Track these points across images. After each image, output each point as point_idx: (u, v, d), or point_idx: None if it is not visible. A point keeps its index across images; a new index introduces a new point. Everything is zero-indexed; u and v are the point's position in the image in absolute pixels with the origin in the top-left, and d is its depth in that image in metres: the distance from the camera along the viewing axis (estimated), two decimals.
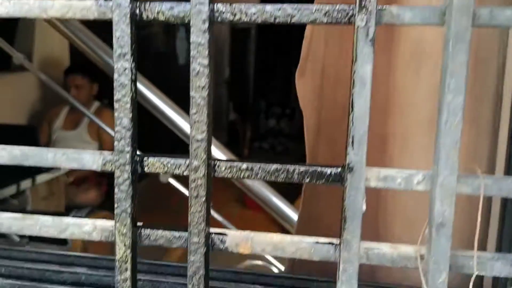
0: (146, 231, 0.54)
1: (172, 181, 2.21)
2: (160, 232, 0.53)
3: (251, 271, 0.74)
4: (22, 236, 2.36)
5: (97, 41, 2.04)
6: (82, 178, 2.93)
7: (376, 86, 0.87)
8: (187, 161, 0.51)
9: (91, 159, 0.53)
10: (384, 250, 0.50)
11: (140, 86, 2.10)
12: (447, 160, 0.45)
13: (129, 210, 0.52)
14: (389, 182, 0.49)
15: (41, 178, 2.86)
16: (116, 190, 0.52)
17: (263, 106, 6.13)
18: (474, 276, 0.47)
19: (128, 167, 0.51)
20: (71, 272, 0.72)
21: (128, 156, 0.51)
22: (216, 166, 0.51)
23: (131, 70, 0.49)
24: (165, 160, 0.52)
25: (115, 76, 0.49)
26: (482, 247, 0.75)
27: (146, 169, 0.52)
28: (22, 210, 2.61)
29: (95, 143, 2.90)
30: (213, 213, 2.38)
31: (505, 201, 0.65)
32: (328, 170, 0.49)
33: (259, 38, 6.05)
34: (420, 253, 0.49)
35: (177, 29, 5.12)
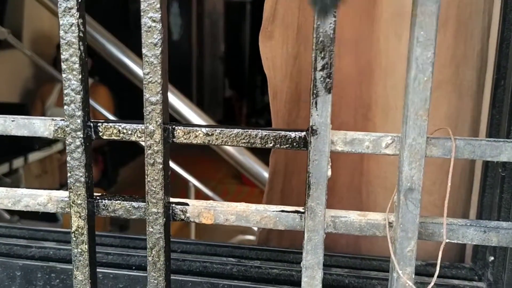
0: (103, 202, 0.51)
1: None
2: (118, 202, 0.51)
3: (225, 244, 0.72)
4: (12, 214, 2.35)
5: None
6: None
7: (359, 51, 0.84)
8: (143, 127, 0.47)
9: (42, 126, 0.50)
10: (351, 218, 0.47)
11: (130, 63, 2.05)
12: (415, 120, 0.42)
13: (82, 179, 0.49)
14: (356, 145, 0.46)
15: (33, 156, 2.84)
16: (68, 158, 0.49)
17: (259, 81, 6.06)
18: (443, 244, 0.45)
19: (80, 133, 0.48)
20: (39, 247, 0.70)
21: (79, 121, 0.47)
22: (174, 131, 0.48)
23: (79, 27, 0.45)
24: (120, 125, 0.49)
25: (61, 33, 0.45)
26: (465, 217, 0.73)
27: (100, 135, 0.49)
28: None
29: None
30: (207, 191, 2.37)
31: (486, 168, 0.62)
32: (292, 134, 0.46)
33: (254, 12, 5.93)
34: (389, 221, 0.47)
35: (170, 4, 5.01)
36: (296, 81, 0.87)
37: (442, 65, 0.72)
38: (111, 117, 2.46)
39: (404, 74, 0.79)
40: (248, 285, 0.61)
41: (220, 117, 5.70)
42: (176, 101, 1.94)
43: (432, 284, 0.45)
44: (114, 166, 3.41)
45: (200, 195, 2.58)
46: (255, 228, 2.15)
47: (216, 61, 6.03)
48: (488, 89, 0.66)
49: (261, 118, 5.96)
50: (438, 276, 0.65)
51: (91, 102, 2.44)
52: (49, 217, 2.45)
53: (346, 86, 0.85)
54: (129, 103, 2.36)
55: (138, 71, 2.01)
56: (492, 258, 0.60)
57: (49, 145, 2.92)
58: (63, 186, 2.73)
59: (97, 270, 0.62)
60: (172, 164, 2.32)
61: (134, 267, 0.66)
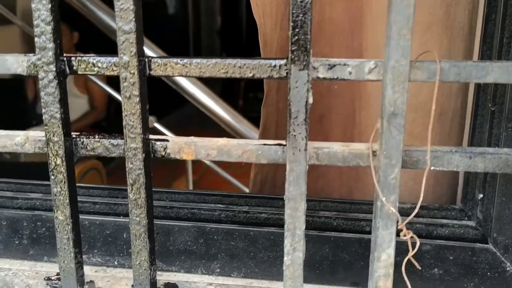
0: (81, 140, 0.50)
1: (159, 126, 2.18)
2: (96, 140, 0.50)
3: (214, 192, 0.71)
4: None
5: None
6: (75, 130, 2.89)
7: None
8: (118, 59, 0.46)
9: (15, 62, 0.48)
10: (334, 149, 0.46)
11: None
12: (398, 40, 0.41)
13: (58, 115, 0.48)
14: (338, 72, 0.44)
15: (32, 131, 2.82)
16: (41, 94, 0.47)
17: (257, 55, 5.98)
18: (426, 170, 0.44)
19: (52, 67, 0.46)
20: (26, 198, 0.69)
21: (51, 53, 0.46)
22: (150, 63, 0.46)
23: None
24: (94, 59, 0.47)
25: None
26: None
27: (74, 69, 0.47)
28: (15, 163, 2.60)
29: (84, 96, 2.83)
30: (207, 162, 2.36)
31: (476, 106, 0.61)
32: (272, 62, 0.45)
33: None
34: (373, 150, 0.46)
35: None
36: (287, 29, 0.85)
37: (433, 5, 0.70)
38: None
39: None
40: (236, 227, 0.61)
41: (219, 92, 5.65)
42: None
43: (415, 211, 0.44)
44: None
45: (200, 168, 2.58)
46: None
47: (213, 35, 5.94)
48: (479, 27, 0.64)
49: (260, 92, 5.92)
50: (427, 217, 0.65)
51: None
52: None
53: (337, 35, 0.83)
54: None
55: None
56: (481, 195, 0.59)
57: None
58: None
59: (84, 217, 0.61)
60: (171, 135, 2.30)
61: (121, 215, 0.66)
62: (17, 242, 0.65)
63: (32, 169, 2.52)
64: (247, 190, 2.13)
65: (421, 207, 0.68)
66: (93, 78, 2.50)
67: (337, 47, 0.83)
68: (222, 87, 5.83)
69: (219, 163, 2.31)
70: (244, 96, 5.87)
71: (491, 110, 0.57)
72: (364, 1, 0.78)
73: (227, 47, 5.95)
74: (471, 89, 0.70)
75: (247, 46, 6.11)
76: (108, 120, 3.26)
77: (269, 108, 0.87)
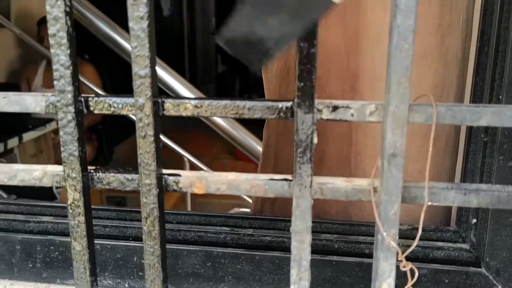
0: (98, 175, 0.52)
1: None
2: (112, 175, 0.52)
3: (219, 214, 0.74)
4: (9, 193, 2.37)
5: None
6: None
7: (346, 21, 0.84)
8: (133, 100, 0.48)
9: (33, 102, 0.51)
10: (338, 184, 0.49)
11: (118, 38, 2.03)
12: (398, 87, 0.44)
13: (76, 153, 0.50)
14: (341, 113, 0.47)
15: (27, 136, 2.84)
16: (61, 133, 0.50)
17: None
18: (425, 206, 0.47)
19: (71, 108, 0.49)
20: (37, 221, 0.71)
21: (70, 96, 0.48)
22: (163, 104, 0.49)
23: (65, 1, 0.45)
24: (110, 99, 0.50)
25: (47, 8, 0.45)
26: (451, 181, 0.75)
27: (91, 109, 0.50)
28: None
29: None
30: (201, 166, 2.39)
31: (469, 134, 0.64)
32: (279, 104, 0.48)
33: None
34: (374, 186, 0.49)
35: None
36: (284, 58, 0.88)
37: (428, 34, 0.73)
38: (101, 93, 2.45)
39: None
40: (242, 251, 0.64)
41: (214, 93, 5.68)
42: (168, 77, 1.94)
43: (414, 245, 0.47)
44: (109, 144, 3.41)
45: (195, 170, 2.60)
46: (250, 201, 2.18)
47: (208, 36, 5.95)
48: (473, 56, 0.67)
49: (254, 93, 5.94)
50: (423, 239, 0.68)
51: (84, 81, 2.44)
52: (46, 196, 2.46)
53: (333, 57, 0.86)
54: (120, 80, 2.35)
55: (127, 46, 2.00)
56: (474, 220, 0.63)
57: (43, 125, 2.91)
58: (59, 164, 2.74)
59: (95, 241, 0.64)
60: (167, 141, 2.34)
61: (131, 238, 0.68)
62: (30, 265, 0.68)
63: None
64: (245, 197, 2.15)
65: (416, 228, 0.72)
66: (91, 85, 2.51)
67: (334, 70, 0.86)
68: (216, 88, 5.86)
69: (206, 151, 2.33)
70: (239, 96, 5.89)
71: (483, 141, 0.60)
72: (360, 25, 0.81)
73: (222, 48, 5.96)
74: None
75: None
76: (104, 123, 3.27)
77: (270, 129, 0.90)
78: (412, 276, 0.48)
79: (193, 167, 2.38)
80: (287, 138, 0.90)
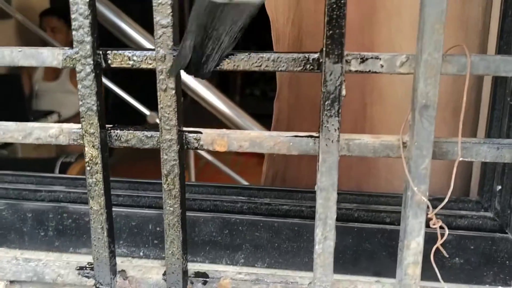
0: (116, 132, 0.51)
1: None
2: (130, 132, 0.51)
3: (234, 185, 0.72)
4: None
5: None
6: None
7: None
8: (153, 53, 0.47)
9: (50, 55, 0.49)
10: (365, 140, 0.48)
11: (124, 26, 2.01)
12: (432, 34, 0.42)
13: (94, 108, 0.48)
14: (370, 65, 0.45)
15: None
16: (79, 86, 0.48)
17: (252, 46, 5.98)
18: (457, 161, 0.45)
19: (90, 60, 0.47)
20: (49, 191, 0.70)
21: (89, 47, 0.47)
22: None
23: None
24: (130, 52, 0.48)
25: None
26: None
27: (109, 63, 0.48)
28: (13, 159, 2.59)
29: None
30: (206, 155, 2.37)
31: (495, 86, 0.62)
32: (306, 55, 0.46)
33: None
34: (403, 141, 0.47)
35: None
36: (298, 26, 0.86)
37: (449, 2, 0.72)
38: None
39: (409, 17, 0.78)
40: (260, 218, 0.62)
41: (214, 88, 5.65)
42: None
43: (446, 200, 0.46)
44: None
45: (198, 162, 2.59)
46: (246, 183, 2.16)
47: None
48: (496, 22, 0.66)
49: (256, 89, 5.92)
50: (446, 208, 0.67)
51: None
52: None
53: (348, 35, 0.84)
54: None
55: (133, 34, 1.97)
56: (499, 187, 0.61)
57: (44, 117, 2.90)
58: (60, 157, 2.72)
59: None
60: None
61: (145, 207, 0.67)
62: (42, 234, 0.66)
63: (29, 163, 2.52)
64: (246, 183, 2.14)
65: (437, 199, 0.70)
66: None
67: (348, 47, 0.84)
68: (218, 84, 5.83)
69: (218, 157, 2.31)
70: (241, 92, 5.87)
71: (510, 104, 0.59)
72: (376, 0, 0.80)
73: None
74: (485, 86, 0.71)
75: (244, 42, 6.10)
76: (106, 118, 3.24)
77: (281, 103, 0.88)
78: (442, 235, 0.47)
79: (197, 157, 2.36)
80: (300, 112, 0.88)
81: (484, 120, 0.66)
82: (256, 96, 5.86)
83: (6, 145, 2.66)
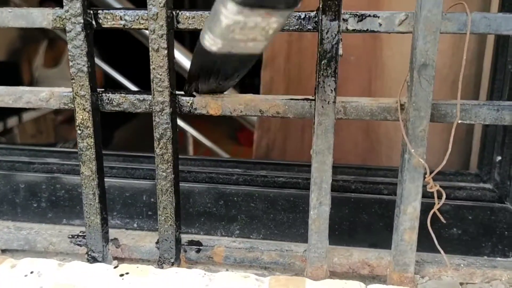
0: (107, 95, 0.50)
1: None
2: (122, 95, 0.49)
3: (229, 158, 0.71)
4: None
5: None
6: (73, 116, 2.85)
7: None
8: (145, 12, 0.45)
9: (40, 15, 0.48)
10: (362, 103, 0.47)
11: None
12: None
13: (85, 69, 0.47)
14: (368, 23, 0.44)
15: (27, 115, 2.81)
16: (69, 46, 0.47)
17: None
18: (455, 123, 0.44)
19: (80, 19, 0.46)
20: (42, 163, 0.69)
21: (79, 5, 0.45)
22: (178, 15, 0.46)
23: None
24: (121, 12, 0.47)
25: None
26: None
27: (101, 22, 0.47)
28: (11, 147, 2.58)
29: None
30: (206, 141, 2.36)
31: (497, 43, 0.61)
32: (302, 14, 0.45)
33: None
34: (401, 103, 0.46)
35: None
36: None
37: None
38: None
39: None
40: (256, 189, 0.61)
41: None
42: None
43: (443, 163, 0.45)
44: (109, 128, 3.38)
45: (197, 149, 2.57)
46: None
47: None
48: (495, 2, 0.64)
49: (257, 78, 5.89)
50: (444, 180, 0.66)
51: None
52: None
53: (351, 4, 0.83)
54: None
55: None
56: (499, 158, 0.60)
57: None
58: (57, 144, 2.71)
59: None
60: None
61: (140, 178, 0.66)
62: (35, 205, 0.65)
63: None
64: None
65: (433, 171, 0.69)
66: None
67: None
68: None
69: (208, 136, 2.30)
70: (241, 82, 5.84)
71: (511, 72, 0.57)
72: None
73: None
74: (486, 60, 0.70)
75: None
76: None
77: (274, 74, 0.86)
78: (439, 197, 0.46)
79: (197, 144, 2.35)
80: (297, 81, 0.87)
81: (484, 92, 0.64)
82: (256, 85, 5.83)
83: (4, 133, 2.65)
